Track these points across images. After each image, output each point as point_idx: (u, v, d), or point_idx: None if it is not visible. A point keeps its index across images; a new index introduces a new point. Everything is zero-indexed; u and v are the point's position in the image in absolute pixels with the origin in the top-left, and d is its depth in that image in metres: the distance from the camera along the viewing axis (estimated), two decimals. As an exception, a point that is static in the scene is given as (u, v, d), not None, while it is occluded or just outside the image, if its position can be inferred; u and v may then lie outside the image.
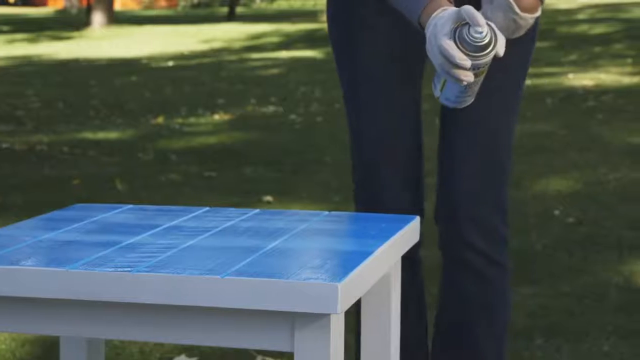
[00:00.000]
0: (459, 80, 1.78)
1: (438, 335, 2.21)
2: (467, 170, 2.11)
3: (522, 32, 2.04)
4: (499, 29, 2.02)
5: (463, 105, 1.89)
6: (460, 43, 1.75)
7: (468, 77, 1.77)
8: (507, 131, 2.13)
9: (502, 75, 2.10)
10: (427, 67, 2.25)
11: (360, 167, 2.17)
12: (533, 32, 2.12)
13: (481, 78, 1.82)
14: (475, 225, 2.12)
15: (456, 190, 2.12)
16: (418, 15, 1.87)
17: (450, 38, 1.76)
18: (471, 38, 1.74)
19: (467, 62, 1.75)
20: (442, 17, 1.79)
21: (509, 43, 2.08)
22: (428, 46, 1.81)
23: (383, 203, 2.16)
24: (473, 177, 2.11)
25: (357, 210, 2.21)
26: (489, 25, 1.76)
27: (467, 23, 1.76)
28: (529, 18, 2.00)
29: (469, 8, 1.76)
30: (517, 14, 1.99)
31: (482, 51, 1.75)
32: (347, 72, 2.16)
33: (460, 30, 1.75)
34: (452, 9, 1.82)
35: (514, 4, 1.98)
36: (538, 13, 2.01)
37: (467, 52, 1.75)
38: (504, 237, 2.15)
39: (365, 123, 2.15)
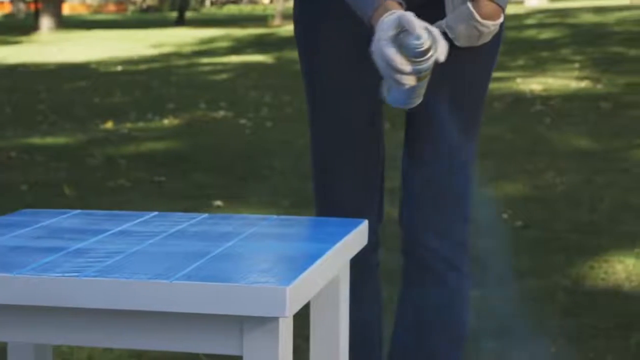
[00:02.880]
0: (400, 84, 1.81)
1: (396, 337, 2.23)
2: (430, 180, 2.12)
3: (487, 39, 2.06)
4: (461, 37, 2.04)
5: (411, 106, 1.92)
6: (400, 49, 1.79)
7: (410, 81, 1.81)
8: (471, 139, 2.14)
9: (466, 84, 2.12)
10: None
11: (316, 168, 2.19)
12: (498, 40, 2.13)
13: (426, 81, 1.86)
14: (438, 234, 2.14)
15: (420, 200, 2.14)
16: (369, 17, 1.89)
17: (391, 44, 1.79)
18: (410, 44, 1.77)
19: (407, 67, 1.78)
20: (386, 22, 1.81)
21: (474, 52, 2.10)
22: (373, 49, 1.84)
23: (338, 204, 2.17)
24: (436, 187, 2.12)
25: (316, 209, 2.22)
26: (429, 30, 1.79)
27: (407, 29, 1.79)
28: (490, 25, 2.02)
29: (407, 15, 1.78)
30: (477, 21, 2.01)
31: (422, 56, 1.78)
32: (306, 73, 2.18)
33: (401, 37, 1.79)
34: (398, 13, 1.84)
35: (474, 11, 2.00)
36: (500, 20, 2.03)
37: (407, 58, 1.78)
38: (465, 245, 2.18)
39: (321, 124, 2.16)
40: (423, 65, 1.79)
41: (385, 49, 1.79)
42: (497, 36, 2.12)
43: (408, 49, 1.78)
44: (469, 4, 2.00)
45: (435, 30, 1.80)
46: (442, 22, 2.05)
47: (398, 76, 1.80)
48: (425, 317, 2.18)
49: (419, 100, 1.92)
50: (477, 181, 5.73)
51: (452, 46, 2.08)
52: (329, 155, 2.17)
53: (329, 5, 2.14)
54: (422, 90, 1.89)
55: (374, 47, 1.83)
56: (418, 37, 1.76)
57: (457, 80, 2.11)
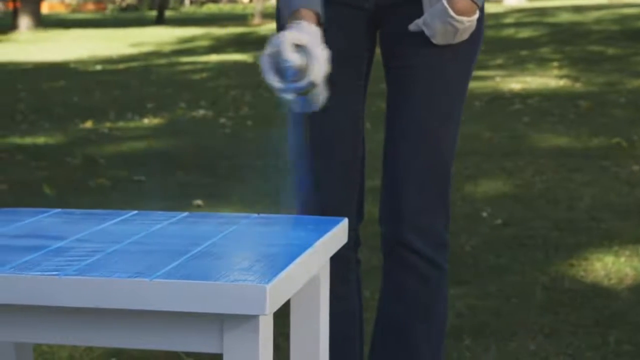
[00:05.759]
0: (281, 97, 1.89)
1: (377, 335, 2.24)
2: (411, 178, 2.13)
3: (464, 36, 2.07)
4: (438, 34, 2.04)
5: (310, 110, 1.96)
6: (276, 67, 1.87)
7: (287, 96, 1.87)
8: (450, 138, 2.15)
9: (445, 82, 2.13)
10: (374, 68, 2.28)
11: (297, 165, 2.19)
12: (477, 38, 2.14)
13: (317, 92, 1.91)
14: (418, 231, 2.15)
15: (400, 197, 2.14)
16: (286, 20, 1.97)
17: (268, 61, 1.87)
18: (280, 66, 1.86)
19: (278, 85, 1.87)
20: (278, 35, 1.88)
21: (452, 50, 2.10)
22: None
23: (318, 202, 2.18)
24: (417, 185, 2.13)
25: (296, 208, 2.22)
26: (308, 52, 1.86)
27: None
28: (465, 21, 2.03)
29: (282, 36, 1.85)
30: (452, 17, 2.02)
31: (294, 77, 1.85)
32: None
33: (276, 56, 1.87)
34: (299, 25, 1.90)
35: (448, 7, 2.01)
36: (475, 16, 2.04)
37: (281, 76, 1.87)
38: (445, 242, 2.18)
39: (301, 121, 2.17)
40: (298, 84, 1.85)
41: (262, 65, 1.87)
42: (477, 34, 2.13)
43: (280, 69, 1.86)
44: (444, 1, 2.02)
45: (315, 52, 1.85)
46: (420, 20, 2.06)
47: (275, 91, 1.87)
48: (406, 314, 2.19)
49: (315, 108, 1.95)
50: (456, 179, 5.74)
51: (430, 44, 2.09)
52: (308, 154, 2.17)
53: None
54: (317, 99, 1.93)
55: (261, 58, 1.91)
56: (286, 60, 1.83)
57: (435, 80, 2.11)
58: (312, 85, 1.86)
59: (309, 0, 1.97)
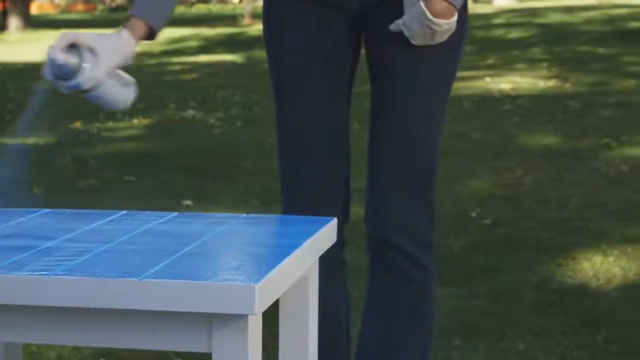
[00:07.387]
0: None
1: (364, 336, 2.24)
2: (394, 178, 2.14)
3: (444, 38, 2.07)
4: (416, 35, 2.05)
5: (113, 109, 2.01)
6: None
7: (62, 90, 1.91)
8: (434, 138, 2.16)
9: (426, 83, 2.13)
10: (360, 66, 2.29)
11: (283, 164, 2.19)
12: (459, 39, 2.14)
13: (102, 93, 1.94)
14: (403, 231, 2.15)
15: (384, 198, 2.15)
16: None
17: (50, 58, 1.91)
18: (49, 64, 1.91)
19: (49, 78, 1.90)
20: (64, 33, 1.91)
21: (431, 52, 2.11)
22: None
23: (305, 201, 2.18)
24: (401, 186, 2.14)
25: (282, 205, 2.22)
26: (81, 55, 1.90)
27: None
28: (443, 24, 2.03)
29: (59, 39, 1.89)
30: (430, 20, 2.02)
31: (68, 75, 1.89)
32: (273, 69, 2.19)
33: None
34: (119, 33, 1.94)
35: (426, 10, 2.01)
36: (453, 18, 2.04)
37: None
38: (431, 243, 2.19)
39: (287, 120, 2.18)
40: (69, 82, 1.89)
41: (48, 60, 1.90)
42: (459, 34, 2.13)
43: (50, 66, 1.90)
44: (421, 3, 2.02)
45: (86, 57, 1.88)
46: (400, 21, 2.06)
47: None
48: (392, 315, 2.19)
49: (115, 107, 1.99)
50: (445, 179, 5.75)
51: (411, 45, 2.10)
52: (294, 154, 2.18)
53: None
54: (101, 101, 1.96)
55: None
56: (52, 61, 1.88)
57: (416, 80, 2.12)
58: (78, 88, 1.89)
59: (148, 13, 1.99)
